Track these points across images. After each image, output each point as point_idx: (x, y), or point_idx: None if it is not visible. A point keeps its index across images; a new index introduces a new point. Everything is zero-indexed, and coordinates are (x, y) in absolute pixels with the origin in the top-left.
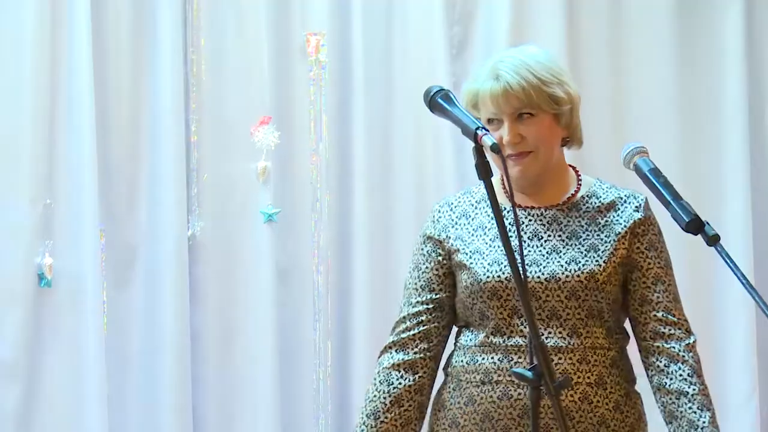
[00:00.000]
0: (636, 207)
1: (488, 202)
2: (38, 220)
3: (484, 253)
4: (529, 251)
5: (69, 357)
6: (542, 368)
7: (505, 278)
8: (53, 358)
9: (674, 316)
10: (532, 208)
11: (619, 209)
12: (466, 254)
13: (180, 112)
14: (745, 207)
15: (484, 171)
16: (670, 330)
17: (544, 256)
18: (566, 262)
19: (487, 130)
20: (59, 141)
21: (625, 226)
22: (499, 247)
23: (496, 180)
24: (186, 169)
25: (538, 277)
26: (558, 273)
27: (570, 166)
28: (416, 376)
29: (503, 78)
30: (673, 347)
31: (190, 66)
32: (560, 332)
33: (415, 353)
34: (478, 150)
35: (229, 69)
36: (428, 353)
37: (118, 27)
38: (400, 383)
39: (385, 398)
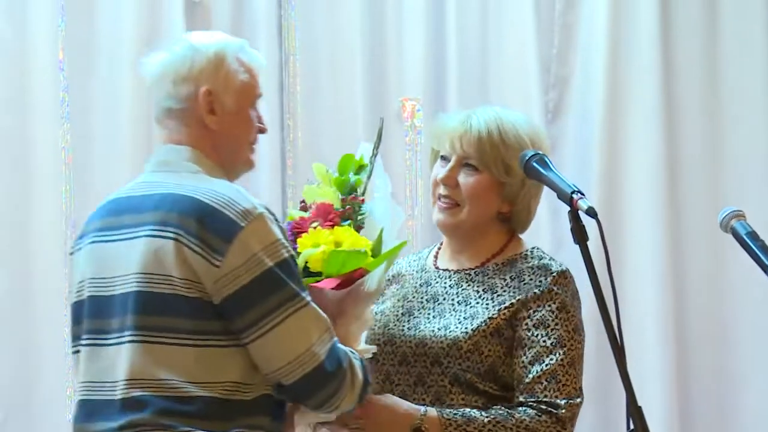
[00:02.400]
0: (539, 282)
1: (422, 266)
2: None
3: (376, 317)
4: (420, 314)
5: None
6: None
7: (383, 342)
8: None
9: (538, 397)
10: (446, 270)
11: (523, 280)
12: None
13: (277, 178)
14: None
15: (579, 235)
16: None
17: (427, 319)
18: (438, 328)
19: (583, 194)
20: None
21: (514, 298)
22: (385, 312)
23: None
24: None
25: (410, 341)
26: (427, 338)
27: (514, 234)
28: None
29: (469, 121)
30: None
31: (287, 131)
32: (423, 398)
33: None
34: (574, 214)
35: (325, 134)
36: None
37: None
38: None
39: None
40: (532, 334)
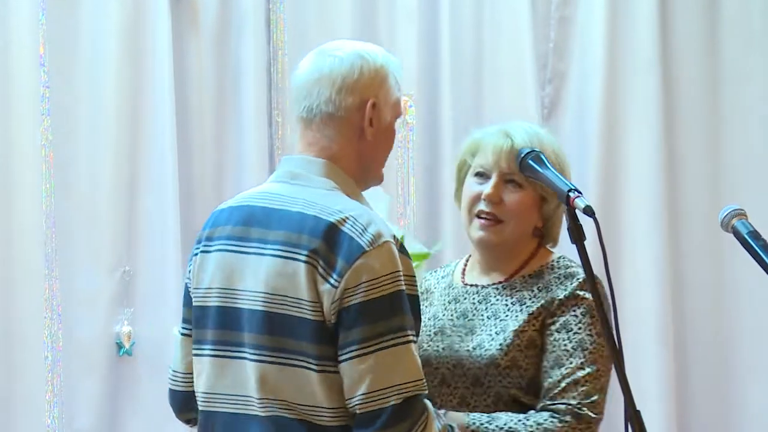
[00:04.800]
0: (565, 287)
1: (449, 282)
2: (117, 288)
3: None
4: (452, 332)
5: (150, 427)
6: None
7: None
8: (133, 428)
9: (560, 400)
10: (473, 285)
11: (551, 290)
12: None
13: (264, 175)
14: None
15: (576, 234)
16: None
17: (460, 338)
18: (473, 347)
19: (580, 193)
20: (140, 206)
21: (541, 306)
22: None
23: (470, 260)
24: None
25: (447, 362)
26: (463, 359)
27: (540, 245)
28: None
29: (513, 136)
30: None
31: (275, 128)
32: None
33: None
34: (571, 213)
35: None
36: None
37: (201, 90)
38: None
39: None
40: (555, 339)
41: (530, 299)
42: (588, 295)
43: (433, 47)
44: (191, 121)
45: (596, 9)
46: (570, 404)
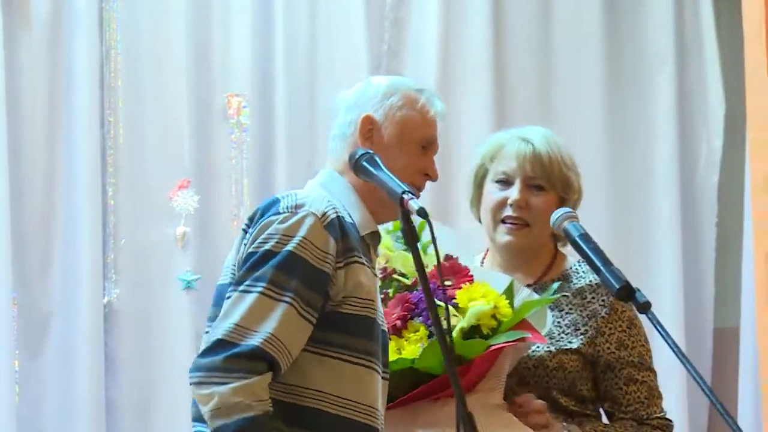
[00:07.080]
0: (602, 301)
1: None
2: None
3: None
4: None
5: None
6: None
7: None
8: None
9: (646, 415)
10: None
11: (585, 297)
12: None
13: (96, 176)
14: (677, 273)
15: (410, 237)
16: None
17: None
18: None
19: (413, 194)
20: None
21: (585, 323)
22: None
23: (490, 255)
24: (102, 235)
25: None
26: None
27: (556, 248)
28: None
29: (533, 142)
30: None
31: (107, 128)
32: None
33: None
34: (404, 215)
35: (147, 131)
36: None
37: (33, 89)
38: None
39: None
40: (619, 356)
41: (567, 306)
42: (624, 306)
43: (267, 47)
44: (22, 119)
45: (430, 10)
46: (660, 416)
